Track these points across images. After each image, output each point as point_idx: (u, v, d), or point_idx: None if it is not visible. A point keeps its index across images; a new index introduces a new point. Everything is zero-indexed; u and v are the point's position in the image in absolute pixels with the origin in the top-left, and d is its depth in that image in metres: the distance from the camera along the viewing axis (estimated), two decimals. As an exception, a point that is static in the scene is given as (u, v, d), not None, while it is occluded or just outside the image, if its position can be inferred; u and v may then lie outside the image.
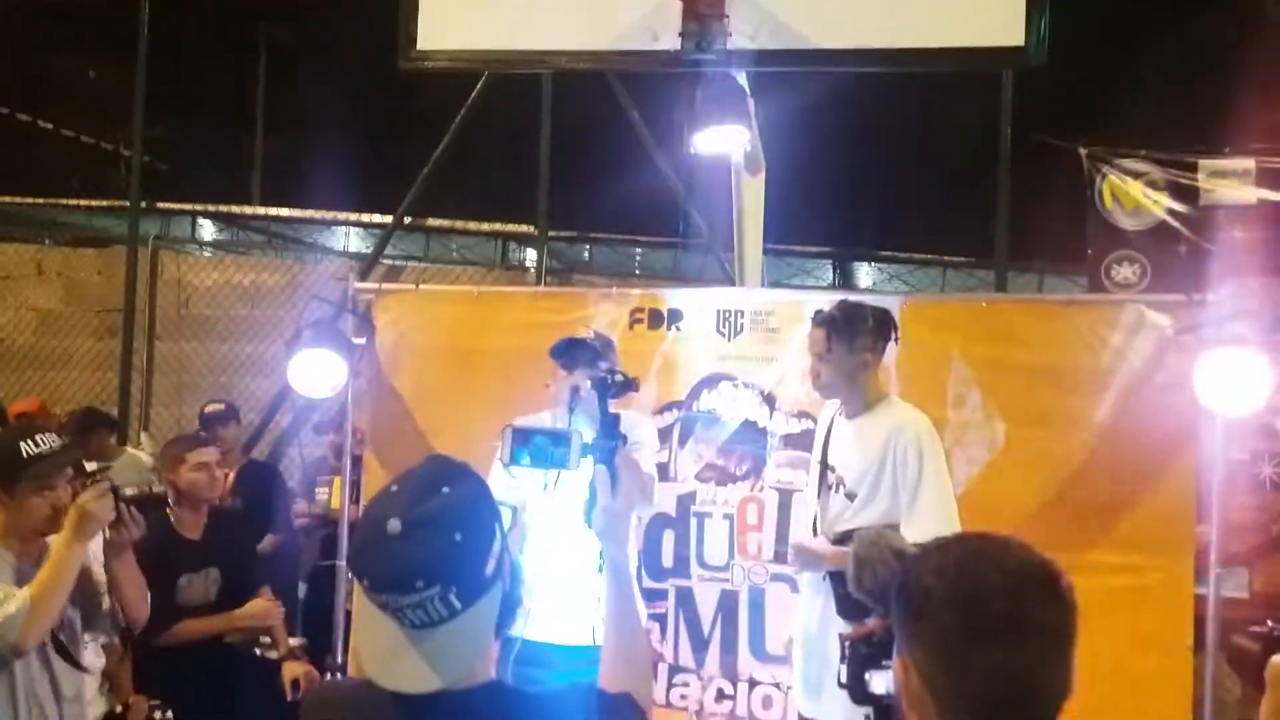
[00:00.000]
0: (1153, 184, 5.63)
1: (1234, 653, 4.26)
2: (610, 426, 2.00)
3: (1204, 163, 5.59)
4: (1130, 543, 3.60)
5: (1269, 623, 4.23)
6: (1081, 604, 1.18)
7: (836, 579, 2.85)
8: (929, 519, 2.72)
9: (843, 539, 2.87)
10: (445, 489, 1.41)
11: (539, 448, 1.89)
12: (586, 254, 9.10)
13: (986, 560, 1.17)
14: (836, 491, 2.98)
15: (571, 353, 3.19)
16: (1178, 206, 5.61)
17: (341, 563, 4.22)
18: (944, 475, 2.91)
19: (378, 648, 1.40)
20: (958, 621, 1.13)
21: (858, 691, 1.39)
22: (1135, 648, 3.49)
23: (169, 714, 3.30)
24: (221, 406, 5.24)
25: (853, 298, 3.24)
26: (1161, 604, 3.59)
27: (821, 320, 3.04)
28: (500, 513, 1.49)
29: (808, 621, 3.06)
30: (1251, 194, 5.52)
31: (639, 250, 8.82)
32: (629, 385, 2.78)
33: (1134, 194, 5.65)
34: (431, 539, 1.37)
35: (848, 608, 2.77)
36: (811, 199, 7.75)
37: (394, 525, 1.36)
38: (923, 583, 1.17)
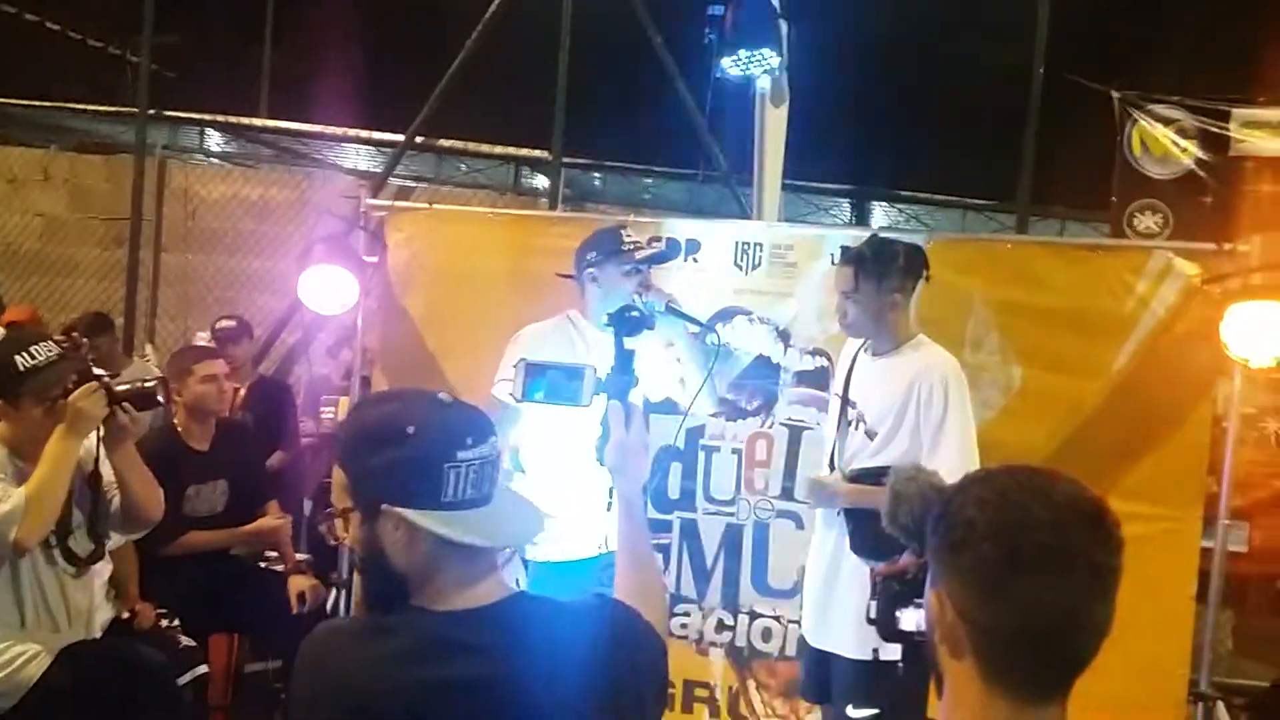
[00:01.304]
0: (1183, 131, 5.53)
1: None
2: (625, 362, 1.96)
3: (1237, 112, 5.48)
4: (1141, 491, 3.57)
5: None
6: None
7: (852, 515, 2.83)
8: (951, 462, 2.68)
9: (859, 476, 2.85)
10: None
11: (553, 382, 1.85)
12: (599, 182, 8.96)
13: (1032, 492, 1.13)
14: (856, 428, 2.94)
15: (659, 261, 3.09)
16: (1206, 156, 5.51)
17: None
18: (968, 419, 2.86)
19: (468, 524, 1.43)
20: (999, 552, 1.10)
21: (887, 628, 1.38)
22: (1140, 596, 3.46)
23: (175, 622, 3.33)
24: (234, 323, 5.19)
25: (882, 234, 3.16)
26: (1168, 554, 3.57)
27: (850, 257, 2.96)
28: None
29: (820, 556, 3.05)
30: (1282, 146, 5.43)
31: (650, 180, 8.67)
32: (644, 322, 2.70)
33: (1163, 141, 5.55)
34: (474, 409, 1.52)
35: (862, 543, 2.77)
36: (830, 134, 7.58)
37: (445, 396, 1.47)
38: (964, 513, 1.13)
